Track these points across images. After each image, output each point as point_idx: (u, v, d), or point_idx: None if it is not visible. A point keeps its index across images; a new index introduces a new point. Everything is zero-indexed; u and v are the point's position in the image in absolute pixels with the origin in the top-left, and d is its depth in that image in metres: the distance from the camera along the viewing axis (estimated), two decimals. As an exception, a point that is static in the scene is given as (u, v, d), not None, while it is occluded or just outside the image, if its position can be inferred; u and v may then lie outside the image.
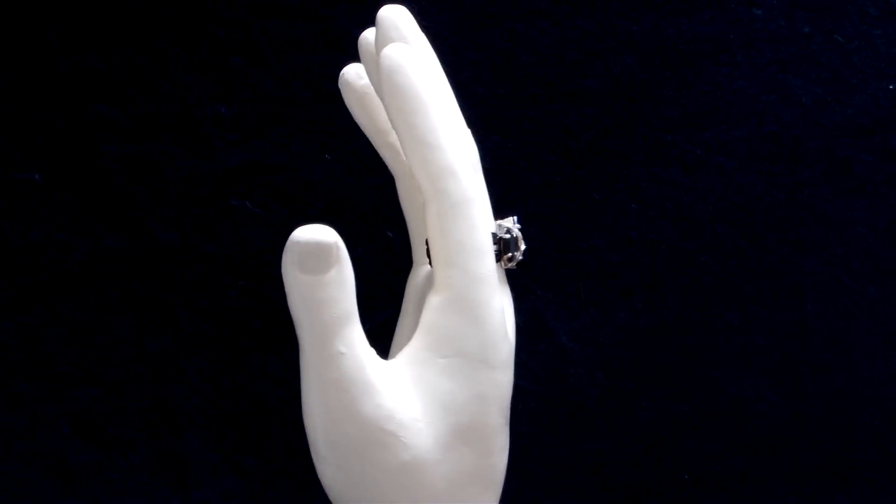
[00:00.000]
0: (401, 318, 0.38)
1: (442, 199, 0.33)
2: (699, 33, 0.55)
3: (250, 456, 0.56)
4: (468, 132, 0.36)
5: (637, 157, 0.55)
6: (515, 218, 0.36)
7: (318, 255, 0.31)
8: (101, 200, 0.55)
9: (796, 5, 0.55)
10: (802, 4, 0.55)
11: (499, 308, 0.33)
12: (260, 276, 0.55)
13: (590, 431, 0.56)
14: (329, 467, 0.32)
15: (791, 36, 0.55)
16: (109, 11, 0.55)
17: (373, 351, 0.33)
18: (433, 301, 0.33)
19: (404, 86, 0.32)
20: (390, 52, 0.32)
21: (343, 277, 0.31)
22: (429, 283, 0.37)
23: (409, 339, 0.35)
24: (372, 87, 0.38)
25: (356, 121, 0.39)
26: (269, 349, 0.56)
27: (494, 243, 0.35)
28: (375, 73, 0.37)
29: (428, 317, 0.33)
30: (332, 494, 0.33)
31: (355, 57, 0.38)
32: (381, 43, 0.35)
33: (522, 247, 0.36)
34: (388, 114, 0.33)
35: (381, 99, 0.33)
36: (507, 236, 0.35)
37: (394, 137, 0.38)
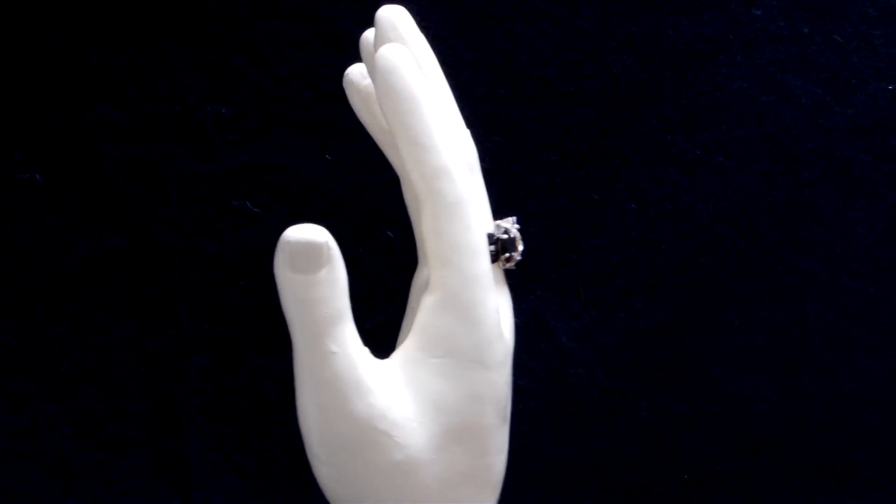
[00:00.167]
0: (406, 316, 0.38)
1: (436, 200, 0.33)
2: (699, 33, 0.55)
3: (251, 456, 0.56)
4: (467, 132, 0.36)
5: (637, 157, 0.55)
6: (514, 218, 0.36)
7: (309, 255, 0.31)
8: (102, 200, 0.55)
9: (796, 6, 0.55)
10: (802, 5, 0.55)
11: (493, 308, 0.33)
12: (260, 276, 0.55)
13: (590, 431, 0.56)
14: (323, 466, 0.33)
15: (790, 36, 0.55)
16: (110, 11, 0.55)
17: (366, 350, 0.33)
18: (427, 301, 0.33)
19: (398, 86, 0.32)
20: (385, 53, 0.32)
21: (334, 276, 0.31)
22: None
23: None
24: None
25: (360, 120, 0.39)
26: (269, 349, 0.56)
27: (491, 244, 0.35)
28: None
29: (422, 317, 0.33)
30: (327, 493, 0.33)
31: (355, 57, 0.38)
32: (379, 43, 0.35)
33: (521, 247, 0.36)
34: (383, 114, 0.33)
35: (378, 99, 0.33)
36: (505, 237, 0.35)
37: (397, 137, 0.38)
